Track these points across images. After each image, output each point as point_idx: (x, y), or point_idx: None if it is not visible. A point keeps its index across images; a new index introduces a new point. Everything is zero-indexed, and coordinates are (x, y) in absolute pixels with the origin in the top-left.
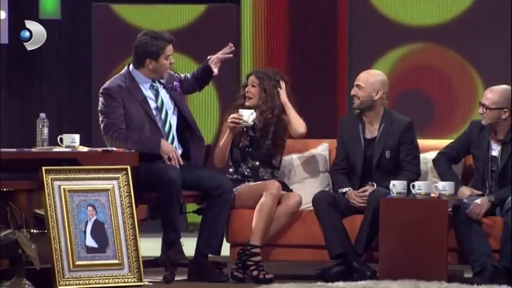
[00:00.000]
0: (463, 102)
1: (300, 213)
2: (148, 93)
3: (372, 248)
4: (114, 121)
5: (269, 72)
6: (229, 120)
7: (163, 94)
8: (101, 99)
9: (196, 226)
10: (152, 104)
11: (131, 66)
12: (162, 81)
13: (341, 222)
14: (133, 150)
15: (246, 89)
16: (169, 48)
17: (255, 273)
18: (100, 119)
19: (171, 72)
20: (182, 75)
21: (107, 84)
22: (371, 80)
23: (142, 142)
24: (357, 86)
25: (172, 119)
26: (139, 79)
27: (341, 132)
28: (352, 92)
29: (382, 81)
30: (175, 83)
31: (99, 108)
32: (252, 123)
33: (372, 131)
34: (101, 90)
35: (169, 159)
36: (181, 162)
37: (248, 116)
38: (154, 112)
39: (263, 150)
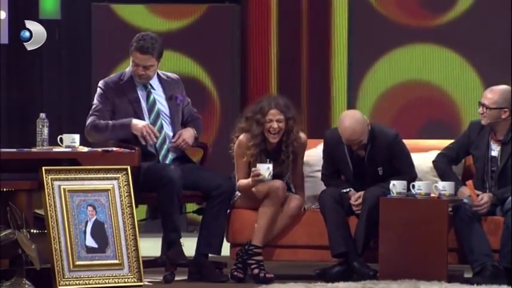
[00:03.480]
0: (462, 103)
1: (301, 213)
2: (142, 94)
3: (372, 248)
4: (95, 114)
5: (284, 101)
6: (251, 178)
7: (158, 96)
8: (96, 91)
9: (196, 226)
10: (143, 104)
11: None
12: (141, 82)
13: (346, 221)
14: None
15: (273, 126)
16: (136, 55)
17: (255, 271)
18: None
19: (181, 84)
20: (190, 109)
21: (106, 78)
22: (358, 127)
23: (114, 127)
24: (351, 140)
25: (164, 122)
26: (136, 78)
27: (326, 147)
28: (348, 144)
29: (365, 123)
30: (178, 95)
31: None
32: (270, 177)
33: (359, 149)
34: (98, 83)
35: (144, 136)
36: (157, 134)
37: (265, 171)
38: (145, 112)
39: (278, 175)
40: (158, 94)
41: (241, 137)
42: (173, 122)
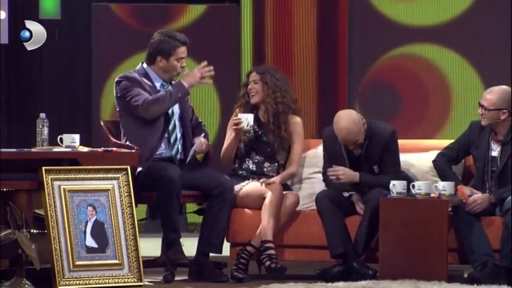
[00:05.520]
0: (462, 103)
1: (301, 213)
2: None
3: (372, 248)
4: (138, 93)
5: (268, 68)
6: (233, 124)
7: None
8: (118, 87)
9: (196, 226)
10: None
11: (144, 64)
12: (173, 80)
13: (343, 222)
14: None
15: (249, 87)
16: (182, 50)
17: (267, 263)
18: (121, 103)
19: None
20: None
21: (122, 74)
22: (353, 127)
23: (170, 94)
24: (347, 139)
25: (177, 121)
26: (152, 76)
27: (324, 144)
28: (344, 143)
29: (360, 122)
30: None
31: (118, 95)
32: (249, 128)
33: (356, 148)
34: (117, 79)
35: (204, 77)
36: (212, 72)
37: (245, 119)
38: None
39: (267, 146)
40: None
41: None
42: (183, 121)
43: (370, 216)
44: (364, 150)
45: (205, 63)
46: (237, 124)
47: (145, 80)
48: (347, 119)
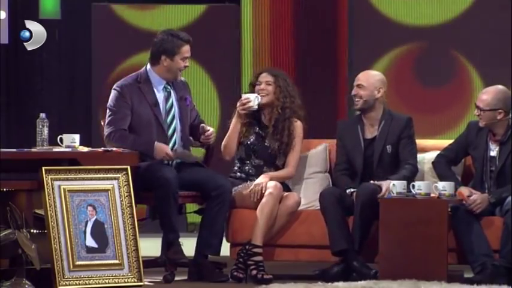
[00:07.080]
0: (462, 103)
1: (301, 213)
2: (161, 95)
3: (372, 248)
4: (116, 120)
5: (280, 72)
6: (238, 105)
7: (174, 98)
8: (111, 95)
9: (196, 226)
10: (162, 107)
11: (148, 66)
12: (177, 79)
13: (346, 220)
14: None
15: (261, 87)
16: (186, 49)
17: (254, 272)
18: (107, 114)
19: (188, 87)
20: (195, 111)
21: (121, 81)
22: (372, 79)
23: (137, 146)
24: (358, 86)
25: (178, 124)
26: (154, 80)
27: (339, 135)
28: (353, 92)
29: (382, 80)
30: (187, 96)
31: (108, 104)
32: (256, 107)
33: (372, 131)
34: (114, 86)
35: (163, 158)
36: (172, 157)
37: (253, 99)
38: (163, 116)
39: (268, 150)
40: (172, 96)
41: None
42: (183, 124)
43: (361, 210)
44: (379, 131)
45: (172, 157)
46: (245, 104)
47: (145, 87)
48: (373, 71)
